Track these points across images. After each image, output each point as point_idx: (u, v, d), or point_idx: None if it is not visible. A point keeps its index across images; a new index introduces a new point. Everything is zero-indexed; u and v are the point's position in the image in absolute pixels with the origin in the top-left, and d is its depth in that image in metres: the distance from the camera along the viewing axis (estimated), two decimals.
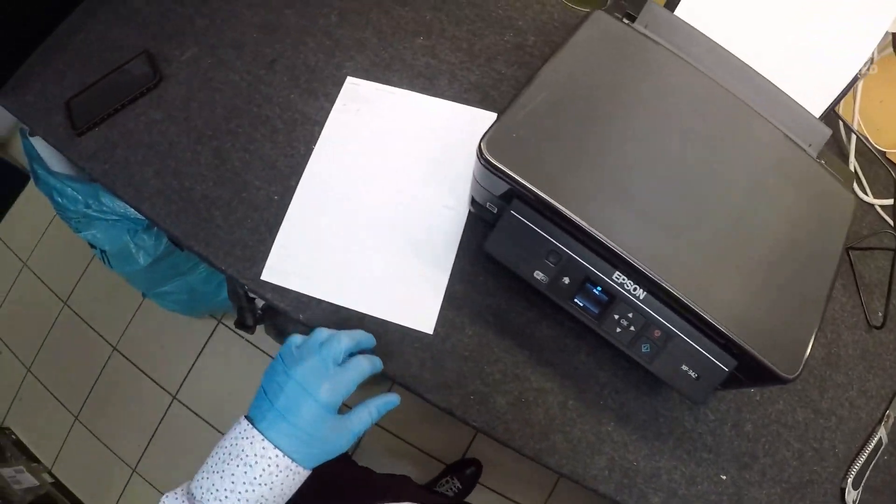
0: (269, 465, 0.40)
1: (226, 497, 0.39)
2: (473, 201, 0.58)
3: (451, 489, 1.29)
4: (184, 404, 1.44)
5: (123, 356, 1.49)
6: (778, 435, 0.60)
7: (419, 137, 0.65)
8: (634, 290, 0.52)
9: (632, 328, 0.52)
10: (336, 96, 0.68)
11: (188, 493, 0.41)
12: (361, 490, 0.84)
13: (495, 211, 0.56)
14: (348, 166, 0.64)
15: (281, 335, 1.17)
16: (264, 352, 1.44)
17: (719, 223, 0.52)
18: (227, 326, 1.48)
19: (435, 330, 0.58)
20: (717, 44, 0.58)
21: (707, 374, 0.52)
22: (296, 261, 0.60)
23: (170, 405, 1.45)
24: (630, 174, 0.51)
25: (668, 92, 0.56)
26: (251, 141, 0.67)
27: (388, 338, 0.58)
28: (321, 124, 0.67)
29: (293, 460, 0.40)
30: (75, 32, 0.74)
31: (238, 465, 0.39)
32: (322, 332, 0.46)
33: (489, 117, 0.66)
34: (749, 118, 0.57)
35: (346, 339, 0.46)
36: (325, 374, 0.43)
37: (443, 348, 0.58)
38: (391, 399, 0.48)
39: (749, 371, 0.51)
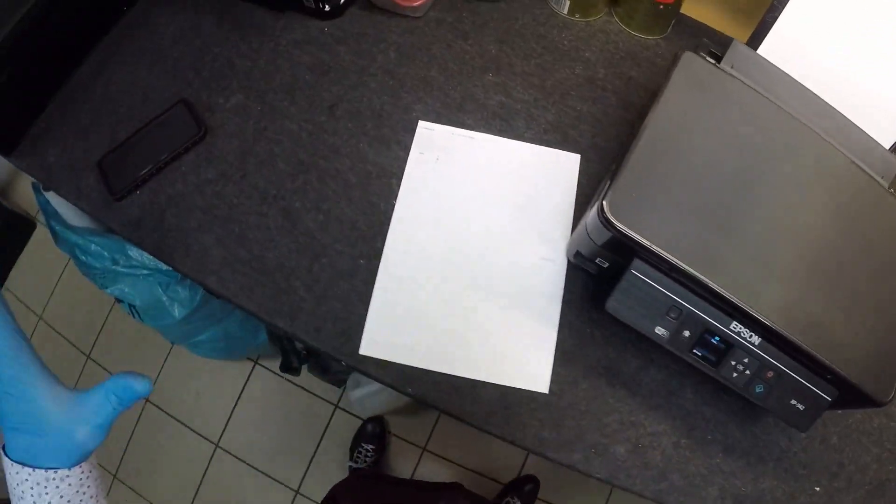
0: (29, 488, 0.34)
1: None
2: (578, 254, 0.58)
3: None
4: (228, 452, 1.37)
5: (157, 407, 1.40)
6: (858, 442, 0.65)
7: (505, 185, 0.63)
8: (750, 337, 0.54)
9: (747, 372, 0.55)
10: (409, 143, 0.65)
11: None
12: (413, 498, 0.84)
13: (605, 265, 0.57)
14: (435, 222, 0.62)
15: (325, 373, 1.13)
16: (306, 389, 1.40)
17: (821, 266, 0.54)
18: (264, 367, 1.41)
19: (550, 388, 0.58)
20: (800, 83, 0.60)
21: (813, 404, 0.56)
22: (395, 330, 0.58)
23: (213, 454, 1.37)
24: (742, 226, 0.53)
25: (763, 139, 0.57)
26: (323, 199, 0.62)
27: (504, 402, 0.57)
28: (398, 176, 0.63)
29: (48, 468, 0.35)
30: (94, 80, 0.66)
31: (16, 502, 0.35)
32: None
33: (573, 159, 0.65)
34: (835, 159, 0.59)
35: None
36: None
37: (559, 406, 0.58)
38: (134, 386, 0.39)
39: (848, 398, 0.55)
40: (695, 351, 0.54)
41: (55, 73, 0.65)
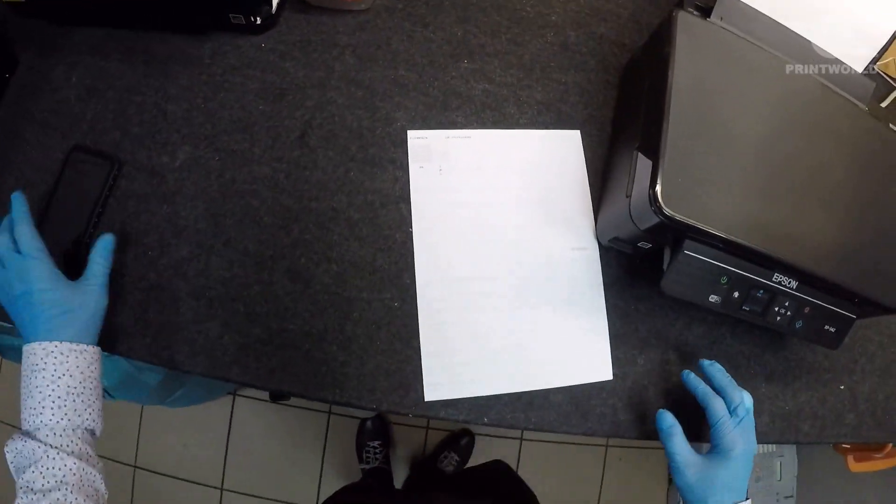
0: (55, 358, 0.44)
1: (43, 408, 0.43)
2: (616, 239, 0.59)
3: (452, 462, 1.39)
4: (236, 492, 1.34)
5: (148, 471, 1.33)
6: (864, 337, 0.75)
7: (516, 179, 0.61)
8: (789, 283, 0.58)
9: (788, 313, 0.60)
10: (405, 159, 0.60)
11: (23, 434, 0.44)
12: None
13: (648, 247, 0.58)
14: (459, 238, 0.59)
15: None
16: (293, 405, 1.38)
17: (838, 206, 0.59)
18: (245, 396, 1.37)
19: (613, 373, 0.60)
20: (784, 25, 0.62)
21: (841, 325, 0.63)
22: (453, 366, 0.56)
23: (221, 499, 1.33)
24: (771, 185, 0.55)
25: (768, 93, 0.59)
26: (329, 246, 0.57)
27: (577, 401, 0.58)
28: (405, 199, 0.59)
29: (71, 342, 0.45)
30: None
31: (35, 378, 0.44)
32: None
33: (574, 136, 0.63)
34: (827, 98, 0.62)
35: (5, 237, 0.48)
36: (14, 273, 0.47)
37: (625, 386, 0.60)
38: (105, 239, 0.52)
39: (868, 312, 0.62)
40: (744, 307, 0.58)
41: None
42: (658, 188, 0.49)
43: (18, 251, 0.47)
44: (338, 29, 0.63)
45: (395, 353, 0.55)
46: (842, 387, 0.72)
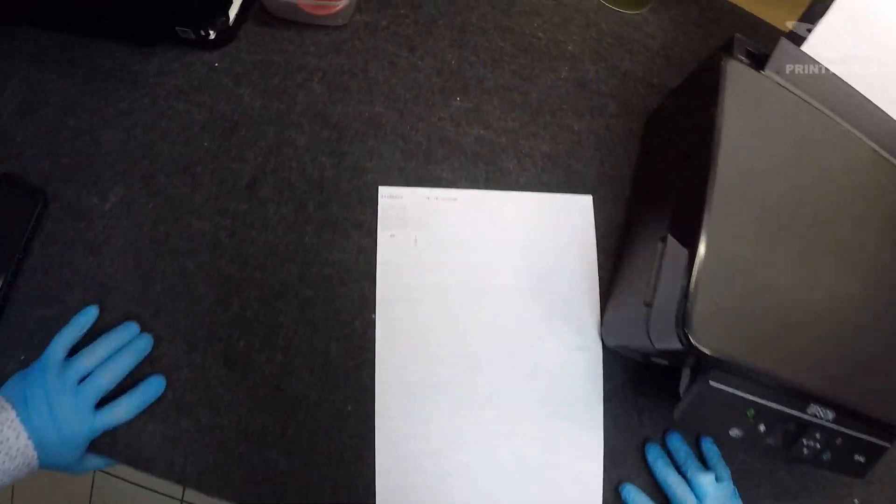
0: (23, 462, 0.43)
1: None
2: (625, 348, 0.49)
3: None
4: None
5: (108, 474, 1.29)
6: None
7: (509, 258, 0.51)
8: (825, 414, 0.49)
9: (818, 446, 0.51)
10: (373, 223, 0.49)
11: None
12: None
13: (664, 364, 0.48)
14: (433, 330, 0.49)
15: None
16: None
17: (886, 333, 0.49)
18: None
19: (604, 498, 0.52)
20: (852, 88, 0.50)
21: (872, 455, 0.54)
22: (413, 488, 0.47)
23: None
24: (822, 307, 0.46)
25: (832, 173, 0.48)
26: (274, 329, 0.47)
27: None
28: (369, 276, 0.49)
29: (38, 464, 0.44)
30: None
31: None
32: (81, 363, 0.45)
33: (584, 203, 0.53)
34: None
35: (105, 381, 0.45)
36: (78, 419, 0.44)
37: None
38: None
39: None
40: (768, 441, 0.49)
41: None
42: (691, 323, 0.39)
43: (97, 409, 0.45)
44: (307, 48, 0.52)
45: (345, 466, 0.47)
46: (856, 500, 0.64)
